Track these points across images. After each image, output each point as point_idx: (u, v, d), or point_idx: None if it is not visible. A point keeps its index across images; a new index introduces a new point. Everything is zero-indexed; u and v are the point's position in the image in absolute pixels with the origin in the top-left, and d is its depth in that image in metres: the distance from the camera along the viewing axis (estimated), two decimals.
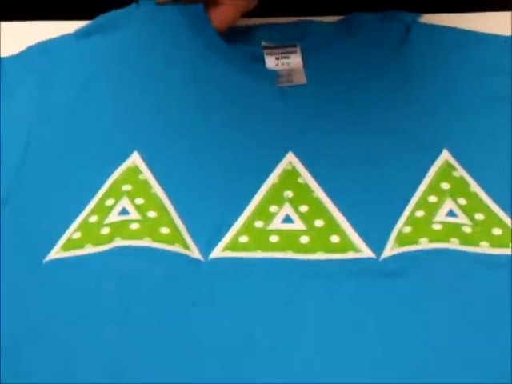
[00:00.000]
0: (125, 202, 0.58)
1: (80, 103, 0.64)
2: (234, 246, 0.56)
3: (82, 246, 0.56)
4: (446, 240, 0.55)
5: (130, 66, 0.66)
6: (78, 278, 0.54)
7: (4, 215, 0.58)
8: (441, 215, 0.57)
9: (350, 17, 0.70)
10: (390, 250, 0.56)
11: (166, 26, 0.67)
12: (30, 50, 0.67)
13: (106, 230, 0.56)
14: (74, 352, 0.51)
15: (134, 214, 0.57)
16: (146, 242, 0.55)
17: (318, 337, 0.52)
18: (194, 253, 0.56)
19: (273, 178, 0.60)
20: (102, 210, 0.57)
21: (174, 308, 0.53)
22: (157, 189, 0.59)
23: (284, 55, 0.68)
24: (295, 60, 0.68)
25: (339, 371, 0.50)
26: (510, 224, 0.57)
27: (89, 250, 0.55)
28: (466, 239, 0.56)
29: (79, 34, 0.68)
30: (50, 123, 0.63)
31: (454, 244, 0.55)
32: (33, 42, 0.68)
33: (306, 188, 0.59)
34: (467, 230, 0.56)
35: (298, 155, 0.61)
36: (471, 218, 0.57)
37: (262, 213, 0.58)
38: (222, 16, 0.67)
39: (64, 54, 0.67)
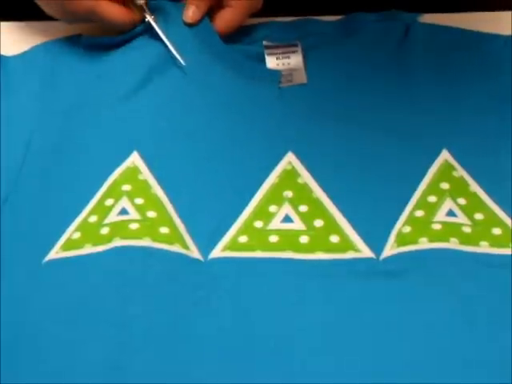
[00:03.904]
0: (124, 202, 0.58)
1: (81, 104, 0.64)
2: (233, 245, 0.56)
3: (81, 246, 0.56)
4: (446, 240, 0.55)
5: (130, 66, 0.66)
6: (78, 278, 0.54)
7: (4, 215, 0.58)
8: (440, 215, 0.57)
9: (351, 17, 0.70)
10: (390, 249, 0.56)
11: (166, 26, 0.67)
12: (35, 50, 0.67)
13: (105, 230, 0.56)
14: (73, 352, 0.51)
15: (133, 214, 0.57)
16: (145, 242, 0.55)
17: (317, 336, 0.52)
18: (194, 253, 0.56)
19: (272, 177, 0.60)
20: (102, 210, 0.57)
21: (174, 308, 0.53)
22: (156, 189, 0.59)
23: (285, 55, 0.68)
24: (296, 60, 0.68)
25: (339, 371, 0.50)
26: (509, 224, 0.57)
27: (88, 249, 0.55)
28: (465, 239, 0.56)
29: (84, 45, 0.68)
30: (51, 123, 0.63)
31: (453, 244, 0.55)
32: (33, 42, 0.68)
33: (305, 188, 0.59)
34: (467, 229, 0.56)
35: (297, 155, 0.61)
36: (471, 217, 0.57)
37: (262, 213, 0.58)
38: (228, 18, 0.67)
39: (68, 54, 0.67)
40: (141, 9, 0.66)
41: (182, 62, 0.65)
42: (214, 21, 0.67)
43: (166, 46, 0.66)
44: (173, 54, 0.65)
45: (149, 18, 0.66)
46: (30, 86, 0.65)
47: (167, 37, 0.66)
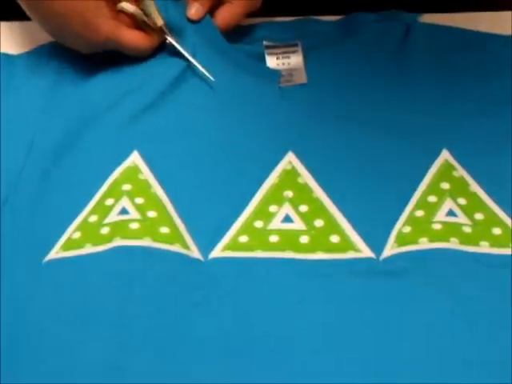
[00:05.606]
0: (125, 202, 0.58)
1: (82, 103, 0.64)
2: (233, 245, 0.56)
3: (81, 246, 0.56)
4: (446, 240, 0.55)
5: (131, 66, 0.66)
6: (78, 277, 0.54)
7: (4, 215, 0.58)
8: (441, 215, 0.57)
9: (351, 17, 0.70)
10: (390, 249, 0.56)
11: (166, 23, 0.67)
12: (39, 50, 0.67)
13: (105, 230, 0.56)
14: (73, 352, 0.51)
15: (133, 214, 0.57)
16: (145, 242, 0.55)
17: (318, 336, 0.52)
18: (194, 253, 0.56)
19: (273, 177, 0.60)
20: (102, 210, 0.57)
21: (174, 308, 0.53)
22: (157, 188, 0.59)
23: (285, 55, 0.68)
24: (296, 60, 0.68)
25: (339, 371, 0.50)
26: (509, 224, 0.57)
27: (88, 249, 0.55)
28: (465, 239, 0.56)
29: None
30: (53, 123, 0.63)
31: (453, 244, 0.55)
32: (33, 42, 0.68)
33: (305, 188, 0.59)
34: (467, 229, 0.56)
35: (297, 155, 0.61)
36: (471, 217, 0.57)
37: (262, 212, 0.58)
38: (226, 16, 0.67)
39: (71, 55, 0.66)
40: (160, 30, 0.65)
41: (210, 78, 0.64)
42: (213, 17, 0.68)
43: (191, 64, 0.65)
44: (199, 71, 0.65)
45: (170, 40, 0.65)
46: (33, 85, 0.65)
47: (192, 55, 0.65)
